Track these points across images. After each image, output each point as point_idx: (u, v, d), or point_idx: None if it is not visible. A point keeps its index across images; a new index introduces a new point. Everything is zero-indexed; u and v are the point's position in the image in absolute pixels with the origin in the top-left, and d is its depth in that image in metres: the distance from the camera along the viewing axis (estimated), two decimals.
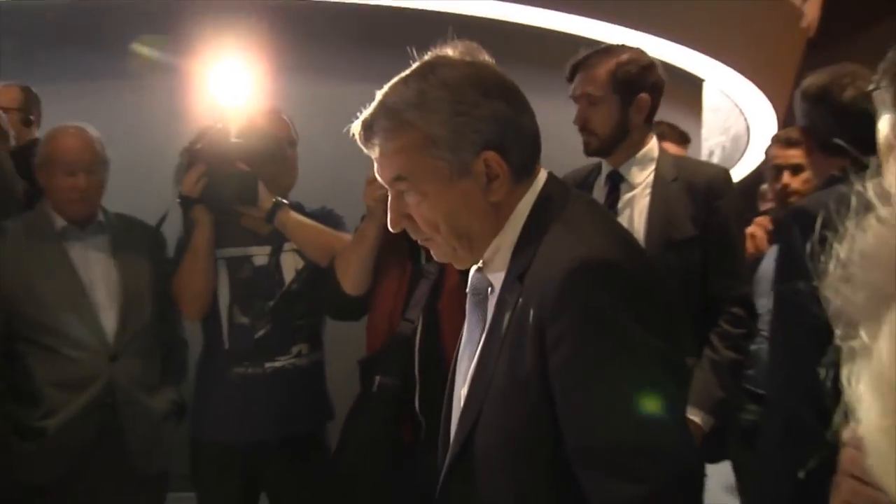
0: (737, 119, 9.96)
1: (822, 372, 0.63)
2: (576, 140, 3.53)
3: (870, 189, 0.61)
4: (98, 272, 3.71)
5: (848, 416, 0.60)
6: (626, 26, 6.51)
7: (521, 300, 1.82)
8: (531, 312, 1.78)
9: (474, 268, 1.99)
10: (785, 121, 8.90)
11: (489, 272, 1.95)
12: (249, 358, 3.70)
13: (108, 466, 3.58)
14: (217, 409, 3.75)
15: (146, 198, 3.98)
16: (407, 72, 1.89)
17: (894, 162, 0.50)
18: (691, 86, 8.54)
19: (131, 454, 3.62)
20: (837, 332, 0.61)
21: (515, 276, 1.86)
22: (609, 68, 3.42)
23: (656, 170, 3.48)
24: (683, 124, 5.53)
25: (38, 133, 5.01)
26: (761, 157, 6.17)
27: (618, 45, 3.59)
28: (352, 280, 3.36)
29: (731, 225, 3.50)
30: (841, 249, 0.61)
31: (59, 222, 3.70)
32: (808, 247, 0.66)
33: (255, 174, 3.63)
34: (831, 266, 0.61)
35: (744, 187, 9.22)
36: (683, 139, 5.05)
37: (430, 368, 3.14)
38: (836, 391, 0.62)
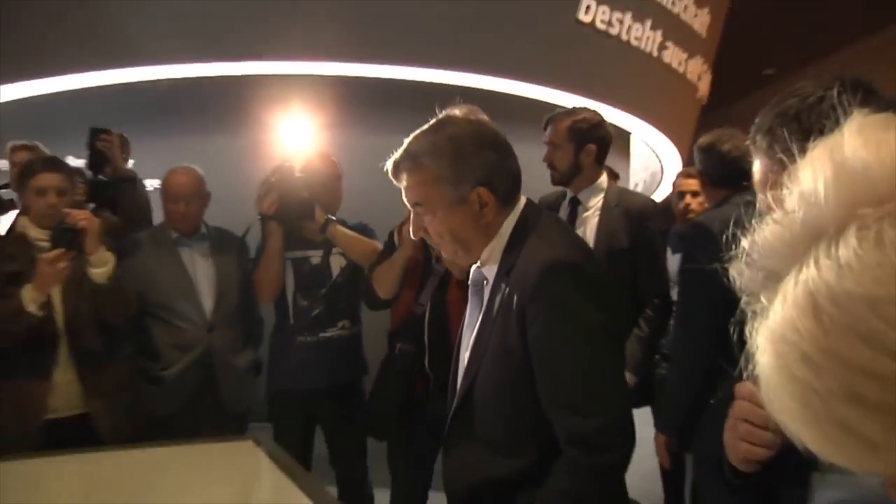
0: (653, 160, 9.97)
1: (731, 328, 0.65)
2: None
3: (769, 198, 0.62)
4: (200, 268, 3.74)
5: (749, 360, 0.61)
6: (583, 95, 6.58)
7: (508, 289, 1.86)
8: (515, 298, 1.83)
9: (474, 266, 2.00)
10: (686, 162, 8.91)
11: (485, 269, 1.96)
12: (308, 330, 3.71)
13: (208, 405, 3.62)
14: (285, 366, 3.76)
15: (237, 216, 3.99)
16: (425, 126, 1.92)
17: (788, 181, 0.52)
18: (622, 137, 8.56)
19: (223, 397, 3.66)
20: (744, 299, 0.62)
21: (504, 271, 1.89)
22: (567, 124, 3.46)
23: (604, 198, 3.51)
24: (617, 164, 5.58)
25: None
26: (670, 188, 6.24)
27: (580, 108, 3.66)
28: (384, 290, 3.35)
29: (655, 239, 3.56)
30: (745, 242, 0.62)
31: (174, 234, 3.75)
32: (724, 238, 0.67)
33: (312, 199, 3.64)
34: (738, 253, 0.63)
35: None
36: (615, 176, 5.09)
37: (436, 339, 3.14)
38: (742, 342, 0.62)
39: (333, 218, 3.70)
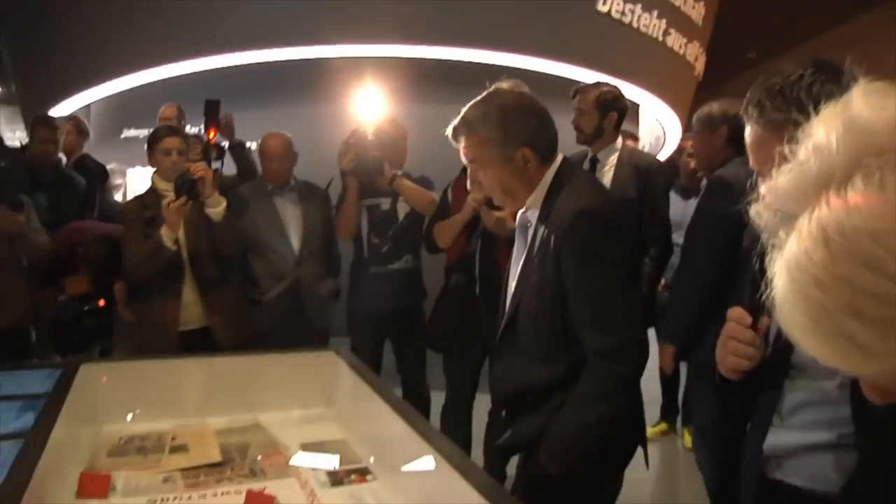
0: (658, 127, 9.86)
1: (753, 258, 0.64)
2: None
3: (786, 150, 0.61)
4: (290, 214, 3.73)
5: (767, 286, 0.61)
6: (601, 72, 6.49)
7: (546, 231, 1.84)
8: (552, 239, 1.81)
9: (520, 211, 1.98)
10: (685, 128, 8.75)
11: (529, 213, 1.94)
12: (379, 262, 3.72)
13: (297, 323, 3.64)
14: (361, 291, 3.79)
15: (320, 171, 3.98)
16: (478, 98, 1.90)
17: (802, 137, 0.52)
18: (632, 107, 8.35)
19: (309, 316, 3.69)
20: (763, 236, 0.62)
21: (544, 216, 1.87)
22: (595, 94, 3.40)
23: (618, 157, 3.43)
24: (628, 129, 5.49)
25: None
26: (672, 150, 6.18)
27: (603, 82, 3.60)
28: (443, 242, 3.36)
29: (659, 192, 3.47)
30: (762, 188, 0.62)
31: (269, 186, 3.74)
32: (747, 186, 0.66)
33: (381, 157, 3.60)
34: (757, 198, 0.63)
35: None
36: (634, 138, 5.07)
37: (487, 272, 3.13)
38: (762, 271, 0.62)
39: (399, 173, 3.67)
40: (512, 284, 1.99)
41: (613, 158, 3.44)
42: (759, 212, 0.62)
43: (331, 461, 2.29)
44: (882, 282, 0.52)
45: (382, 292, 3.69)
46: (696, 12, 8.50)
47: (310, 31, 6.24)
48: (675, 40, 8.15)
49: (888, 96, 0.58)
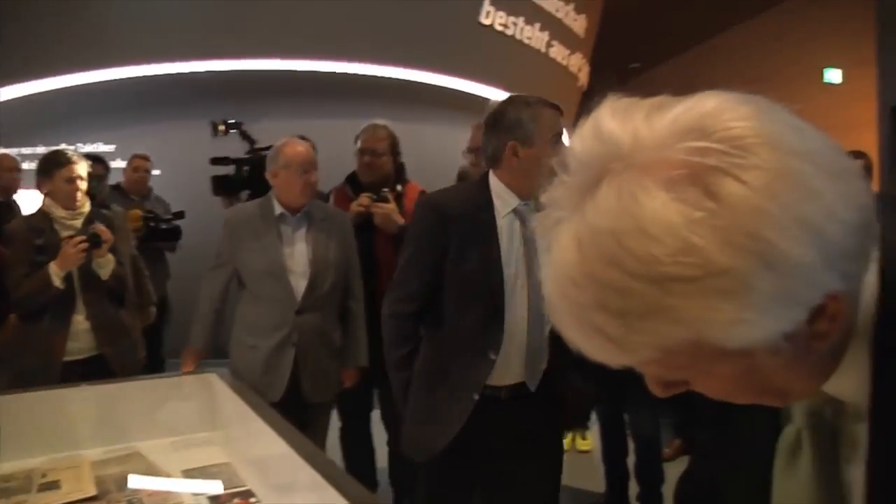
0: None
1: None
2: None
3: (554, 163, 0.66)
4: (299, 248, 2.92)
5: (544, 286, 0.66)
6: (485, 84, 6.58)
7: None
8: None
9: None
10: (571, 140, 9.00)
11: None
12: None
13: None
14: None
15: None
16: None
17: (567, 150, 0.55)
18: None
19: (305, 385, 2.94)
20: (539, 241, 0.66)
21: None
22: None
23: None
24: None
25: None
26: None
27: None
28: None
29: None
30: (542, 197, 0.65)
31: (277, 209, 2.91)
32: None
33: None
34: (538, 205, 0.66)
35: None
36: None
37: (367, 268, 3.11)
38: None
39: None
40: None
41: None
42: (538, 221, 0.65)
43: (213, 486, 2.25)
44: (622, 276, 0.56)
45: None
46: (579, 25, 8.79)
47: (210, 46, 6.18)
48: (558, 52, 8.40)
49: (629, 110, 0.63)
